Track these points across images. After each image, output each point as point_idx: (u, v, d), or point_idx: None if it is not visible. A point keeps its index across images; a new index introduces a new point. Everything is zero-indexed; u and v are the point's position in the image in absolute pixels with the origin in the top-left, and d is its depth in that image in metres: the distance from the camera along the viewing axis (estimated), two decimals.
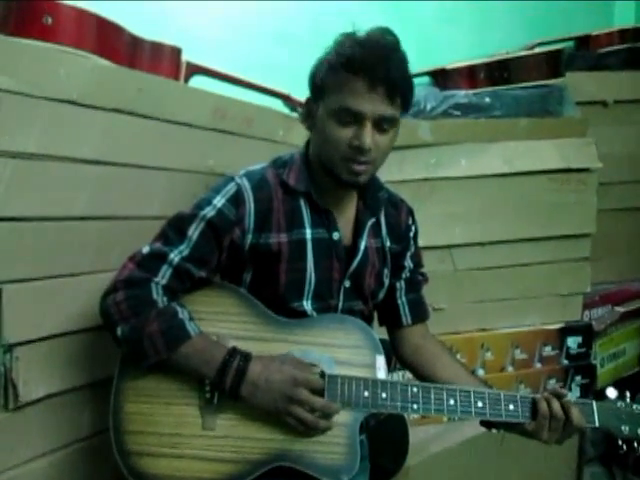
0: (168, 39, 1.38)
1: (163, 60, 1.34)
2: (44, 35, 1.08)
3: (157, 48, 1.33)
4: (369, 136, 0.98)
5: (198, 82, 1.46)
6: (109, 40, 1.20)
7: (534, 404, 1.03)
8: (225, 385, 0.96)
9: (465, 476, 1.76)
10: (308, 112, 1.08)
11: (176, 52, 1.37)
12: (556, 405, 1.03)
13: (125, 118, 1.18)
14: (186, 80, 1.41)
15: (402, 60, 1.01)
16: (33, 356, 1.04)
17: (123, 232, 1.20)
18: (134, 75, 1.23)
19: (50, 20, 1.08)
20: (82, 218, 1.13)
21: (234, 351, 0.97)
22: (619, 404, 1.07)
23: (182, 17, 1.69)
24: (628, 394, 1.09)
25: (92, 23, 1.16)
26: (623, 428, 1.05)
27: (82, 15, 1.14)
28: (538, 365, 1.99)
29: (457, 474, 1.74)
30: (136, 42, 1.28)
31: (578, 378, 2.06)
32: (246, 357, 0.97)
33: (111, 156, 1.17)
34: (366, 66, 0.96)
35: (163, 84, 1.30)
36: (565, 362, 2.04)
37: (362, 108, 0.97)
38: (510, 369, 1.95)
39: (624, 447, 1.07)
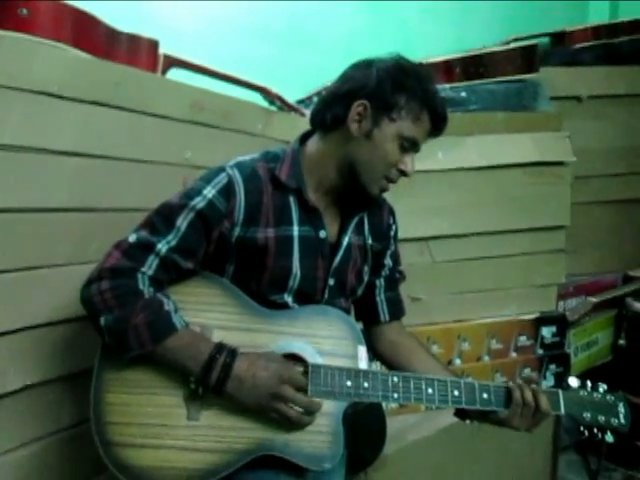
0: (147, 32, 1.37)
1: (140, 52, 1.33)
2: (20, 27, 1.07)
3: (134, 40, 1.32)
4: (413, 167, 1.09)
5: (176, 75, 1.46)
6: (86, 32, 1.19)
7: (508, 392, 1.07)
8: (210, 381, 0.96)
9: (442, 464, 1.79)
10: (360, 116, 1.05)
11: (153, 44, 1.37)
12: (528, 393, 1.07)
13: (103, 110, 1.18)
14: (164, 73, 1.41)
15: None
16: (11, 347, 1.04)
17: (101, 224, 1.20)
18: (112, 67, 1.22)
19: (25, 11, 1.07)
20: (60, 210, 1.13)
21: (221, 347, 0.98)
22: (582, 392, 1.13)
23: (161, 10, 1.68)
24: (589, 383, 1.14)
25: (69, 15, 1.15)
26: (585, 415, 1.11)
27: (58, 7, 1.13)
28: (514, 355, 2.03)
29: (434, 462, 1.77)
30: (113, 34, 1.28)
31: (553, 367, 2.10)
32: (233, 353, 0.97)
33: (89, 148, 1.17)
34: (439, 119, 1.08)
35: (141, 76, 1.30)
36: (540, 351, 2.08)
37: (420, 142, 1.09)
38: (486, 359, 1.99)
39: (586, 433, 1.12)
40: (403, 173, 1.09)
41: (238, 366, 0.97)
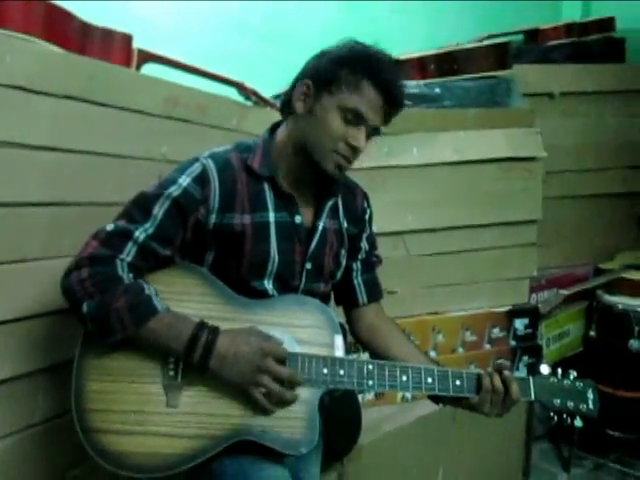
0: (122, 28, 1.37)
1: (114, 47, 1.33)
2: None
3: (108, 35, 1.32)
4: (364, 140, 1.08)
5: (151, 70, 1.46)
6: (58, 26, 1.19)
7: (478, 379, 1.10)
8: (193, 359, 0.98)
9: (417, 455, 1.82)
10: (304, 95, 1.09)
11: (127, 39, 1.36)
12: (497, 380, 1.09)
13: (76, 105, 1.18)
14: (138, 68, 1.41)
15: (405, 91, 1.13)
16: None
17: (75, 218, 1.20)
18: (85, 62, 1.22)
19: None
20: (33, 204, 1.13)
21: (202, 325, 1.00)
22: (552, 379, 1.15)
23: (136, 6, 1.67)
24: (560, 370, 1.17)
25: (40, 8, 1.15)
26: (555, 401, 1.13)
27: (29, 1, 1.13)
28: (487, 346, 2.07)
29: (410, 452, 1.79)
30: (86, 29, 1.27)
31: (525, 358, 2.15)
32: (214, 331, 1.00)
33: (62, 142, 1.17)
34: (388, 87, 1.07)
35: (115, 71, 1.29)
36: (513, 343, 2.12)
37: (369, 117, 1.07)
38: (461, 350, 2.02)
39: (555, 418, 1.15)
40: (353, 148, 1.07)
41: (220, 343, 0.99)
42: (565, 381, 1.15)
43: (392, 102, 1.09)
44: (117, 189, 1.27)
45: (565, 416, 1.14)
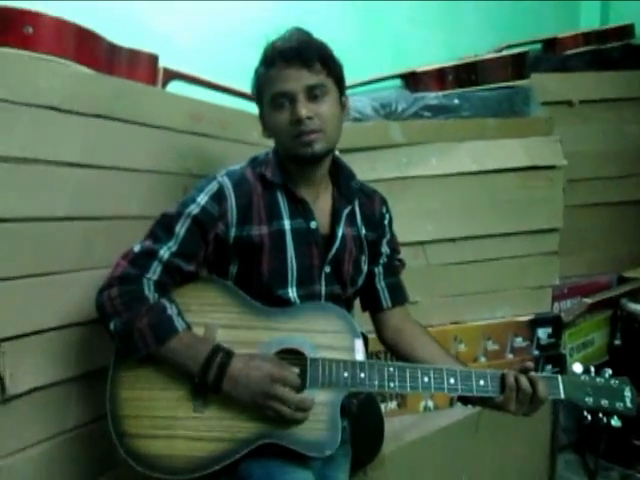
0: (146, 46, 1.43)
1: (140, 66, 1.38)
2: (25, 44, 1.13)
3: (134, 55, 1.37)
4: (303, 107, 1.07)
5: (175, 87, 1.51)
6: (88, 48, 1.24)
7: (502, 378, 1.09)
8: (208, 380, 1.02)
9: (440, 464, 1.81)
10: (263, 122, 1.16)
11: (153, 59, 1.42)
12: (522, 378, 1.08)
13: (105, 123, 1.23)
14: (164, 86, 1.46)
15: (308, 35, 1.12)
16: (20, 351, 1.08)
17: (104, 231, 1.24)
18: (113, 81, 1.27)
19: (31, 30, 1.12)
20: (64, 218, 1.17)
21: (217, 348, 1.04)
22: (583, 377, 1.11)
23: (159, 25, 1.73)
24: (592, 368, 1.13)
25: (71, 32, 1.20)
26: (587, 399, 1.10)
27: (62, 24, 1.19)
28: (510, 355, 2.07)
29: (432, 462, 1.79)
30: (114, 49, 1.33)
31: (548, 367, 2.13)
32: (228, 354, 1.04)
33: (92, 159, 1.21)
34: (277, 52, 1.08)
35: (141, 90, 1.34)
36: (536, 352, 2.11)
37: (286, 86, 1.07)
38: (483, 360, 2.02)
39: (589, 417, 1.11)
40: (297, 121, 1.07)
41: (233, 366, 1.02)
42: (598, 379, 1.11)
43: (292, 54, 1.07)
44: (144, 203, 1.31)
45: (601, 415, 1.10)
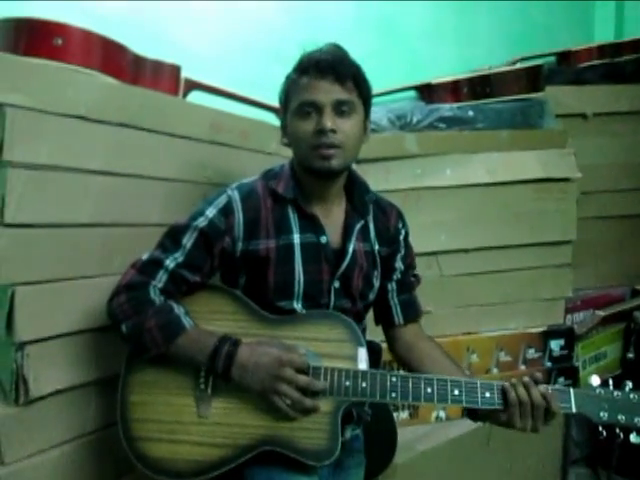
0: (168, 57, 1.46)
1: (163, 77, 1.41)
2: (54, 55, 1.16)
3: (158, 66, 1.40)
4: (329, 119, 1.07)
5: (196, 97, 1.54)
6: (114, 59, 1.27)
7: (503, 392, 1.06)
8: (217, 369, 1.05)
9: (451, 474, 1.82)
10: (284, 129, 1.17)
11: (176, 69, 1.45)
12: (521, 390, 1.05)
13: (129, 132, 1.26)
14: (185, 95, 1.49)
15: (345, 53, 1.13)
16: (43, 354, 1.11)
17: (125, 238, 1.27)
18: (137, 92, 1.31)
19: (60, 41, 1.16)
20: (88, 225, 1.20)
21: (224, 338, 1.06)
22: (598, 391, 1.06)
23: (182, 37, 1.77)
24: (611, 381, 1.09)
25: (98, 43, 1.24)
26: (602, 414, 1.05)
27: (89, 36, 1.22)
28: (522, 367, 2.07)
29: (444, 473, 1.79)
30: (139, 61, 1.36)
31: (561, 380, 2.13)
32: (235, 342, 1.06)
33: (115, 167, 1.24)
34: (313, 61, 1.09)
35: (164, 100, 1.38)
36: (548, 364, 2.11)
37: (316, 97, 1.08)
38: (495, 371, 2.02)
39: (604, 433, 1.06)
40: (321, 132, 1.07)
41: (241, 353, 1.05)
42: (616, 393, 1.06)
43: (328, 68, 1.07)
44: (165, 211, 1.34)
45: (617, 431, 1.05)
